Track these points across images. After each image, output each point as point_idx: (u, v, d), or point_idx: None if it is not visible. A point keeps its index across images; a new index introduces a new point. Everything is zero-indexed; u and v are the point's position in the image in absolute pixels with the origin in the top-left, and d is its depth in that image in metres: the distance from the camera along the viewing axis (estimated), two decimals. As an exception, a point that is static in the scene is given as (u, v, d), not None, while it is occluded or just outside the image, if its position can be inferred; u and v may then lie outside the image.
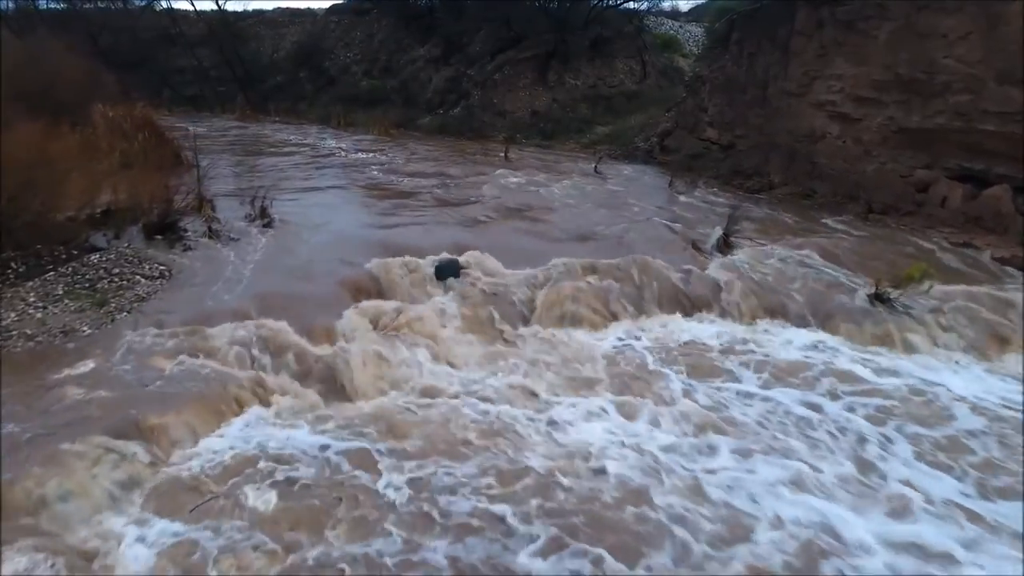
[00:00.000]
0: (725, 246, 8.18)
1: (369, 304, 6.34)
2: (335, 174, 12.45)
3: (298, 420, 4.77)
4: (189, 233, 8.17)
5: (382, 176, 12.34)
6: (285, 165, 13.42)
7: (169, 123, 19.07)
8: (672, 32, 27.03)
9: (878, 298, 6.59)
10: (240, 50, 25.00)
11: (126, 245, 7.28)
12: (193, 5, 24.92)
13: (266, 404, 4.90)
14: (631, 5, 21.44)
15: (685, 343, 6.11)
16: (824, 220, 9.53)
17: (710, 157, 12.58)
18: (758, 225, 9.11)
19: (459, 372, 5.45)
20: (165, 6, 26.00)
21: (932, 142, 9.24)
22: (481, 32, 20.50)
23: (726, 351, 5.95)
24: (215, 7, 25.04)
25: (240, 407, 4.83)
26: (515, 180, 11.93)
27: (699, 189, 11.49)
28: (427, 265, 7.28)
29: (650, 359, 5.74)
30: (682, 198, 10.79)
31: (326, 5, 27.06)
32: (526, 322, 6.55)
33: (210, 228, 8.24)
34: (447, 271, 7.26)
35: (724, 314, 6.62)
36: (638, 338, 6.13)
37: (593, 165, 13.02)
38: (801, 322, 6.44)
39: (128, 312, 5.94)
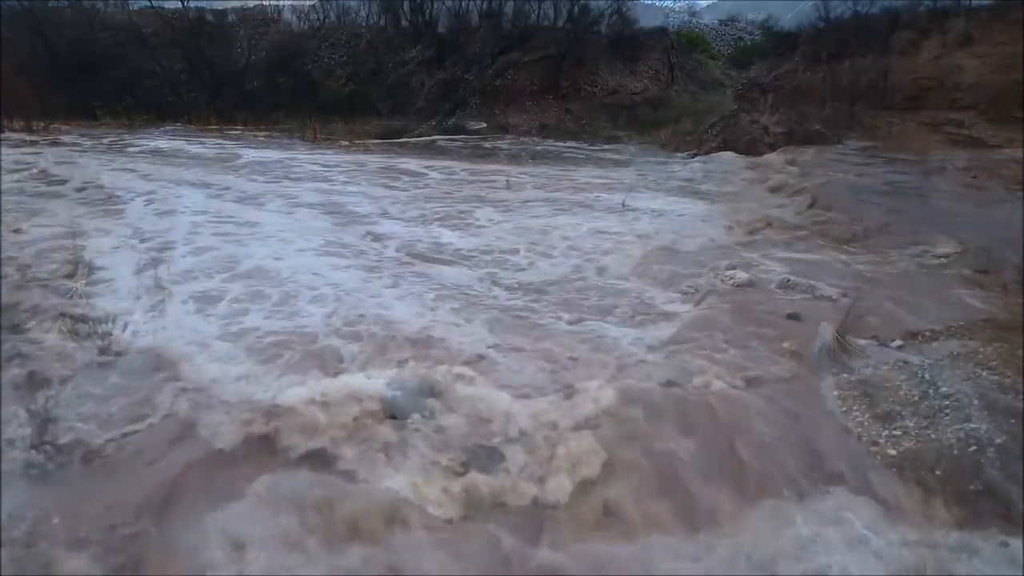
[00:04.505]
0: (840, 349, 5.37)
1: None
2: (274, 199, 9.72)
3: None
4: (32, 325, 5.51)
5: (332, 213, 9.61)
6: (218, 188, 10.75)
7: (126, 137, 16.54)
8: (697, 30, 24.20)
9: None
10: (212, 52, 22.37)
11: None
12: (152, 4, 22.12)
13: None
14: (654, -1, 18.63)
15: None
16: (964, 292, 6.64)
17: (773, 189, 9.75)
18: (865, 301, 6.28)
19: None
20: (134, 7, 23.45)
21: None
22: (481, 30, 17.69)
23: None
24: (179, 5, 22.34)
25: None
26: (517, 219, 9.20)
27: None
28: (379, 393, 4.60)
29: None
30: (745, 253, 7.95)
31: (311, 1, 24.42)
32: (542, 523, 3.79)
33: (63, 315, 5.55)
34: (409, 405, 4.55)
35: (898, 515, 3.75)
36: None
37: (621, 199, 10.21)
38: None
39: None
